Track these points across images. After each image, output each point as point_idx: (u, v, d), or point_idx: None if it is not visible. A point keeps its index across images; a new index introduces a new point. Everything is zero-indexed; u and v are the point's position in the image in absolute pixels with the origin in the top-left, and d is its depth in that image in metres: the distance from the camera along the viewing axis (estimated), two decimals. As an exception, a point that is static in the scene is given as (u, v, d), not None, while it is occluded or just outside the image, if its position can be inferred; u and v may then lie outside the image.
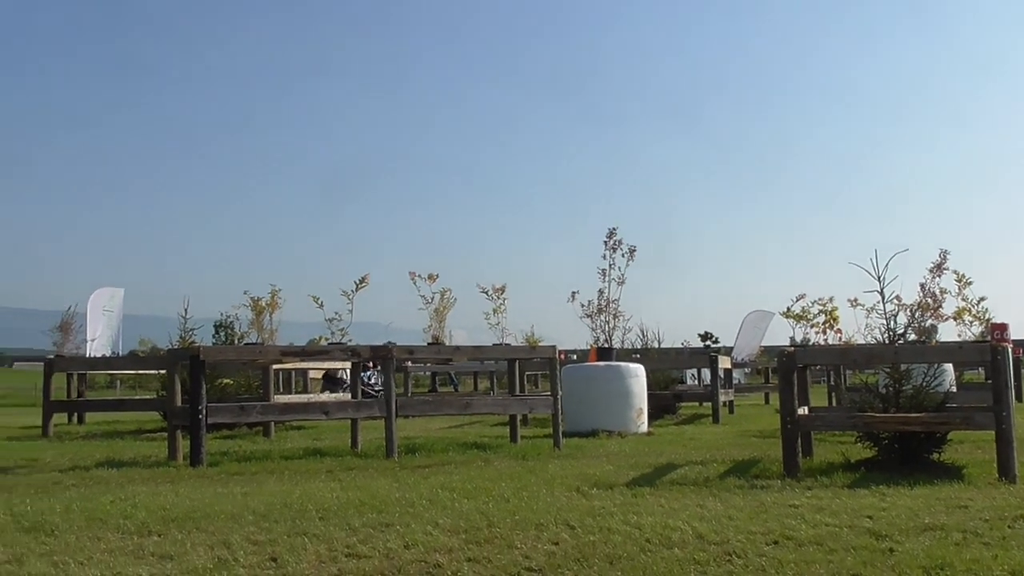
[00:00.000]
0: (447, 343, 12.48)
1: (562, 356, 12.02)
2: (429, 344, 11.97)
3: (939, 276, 7.89)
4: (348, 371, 12.72)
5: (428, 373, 22.13)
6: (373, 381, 13.91)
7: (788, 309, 14.03)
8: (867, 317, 7.76)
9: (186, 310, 12.58)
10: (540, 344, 10.17)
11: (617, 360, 11.52)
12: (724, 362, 15.01)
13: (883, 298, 7.48)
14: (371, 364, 12.83)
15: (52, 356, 13.25)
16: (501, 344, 11.53)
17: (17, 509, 5.16)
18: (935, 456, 6.86)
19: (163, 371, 11.23)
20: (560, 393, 9.38)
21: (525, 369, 14.49)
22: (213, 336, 13.11)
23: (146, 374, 19.73)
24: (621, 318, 12.02)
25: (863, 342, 8.09)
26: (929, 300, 7.85)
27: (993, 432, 6.28)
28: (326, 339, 12.06)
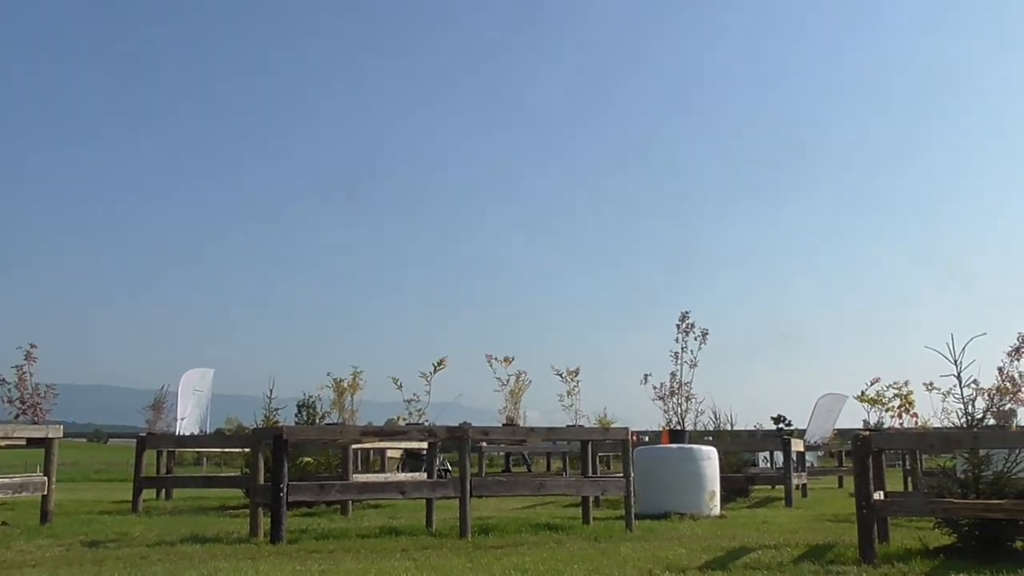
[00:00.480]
0: (521, 424, 12.40)
1: (634, 438, 11.83)
2: (504, 425, 11.90)
3: (1018, 360, 7.64)
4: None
5: (502, 453, 21.98)
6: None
7: (862, 393, 13.67)
8: (943, 401, 7.53)
9: (271, 390, 12.75)
10: (613, 426, 10.06)
11: (689, 442, 11.33)
12: (797, 445, 14.63)
13: (960, 382, 7.25)
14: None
15: (144, 434, 13.47)
16: (574, 426, 11.42)
17: (105, 583, 5.20)
18: (1019, 544, 6.53)
19: (247, 449, 11.34)
20: (632, 475, 9.22)
21: (598, 450, 14.30)
22: (296, 415, 13.24)
23: (231, 452, 19.98)
24: (693, 400, 11.87)
25: (939, 426, 7.83)
26: (1008, 384, 7.59)
27: (1078, 520, 5.98)
28: (404, 419, 12.08)
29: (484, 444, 15.21)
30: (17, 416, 9.92)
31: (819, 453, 21.93)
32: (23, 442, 9.57)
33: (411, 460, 13.64)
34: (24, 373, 10.07)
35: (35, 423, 9.68)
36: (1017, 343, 7.64)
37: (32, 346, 10.18)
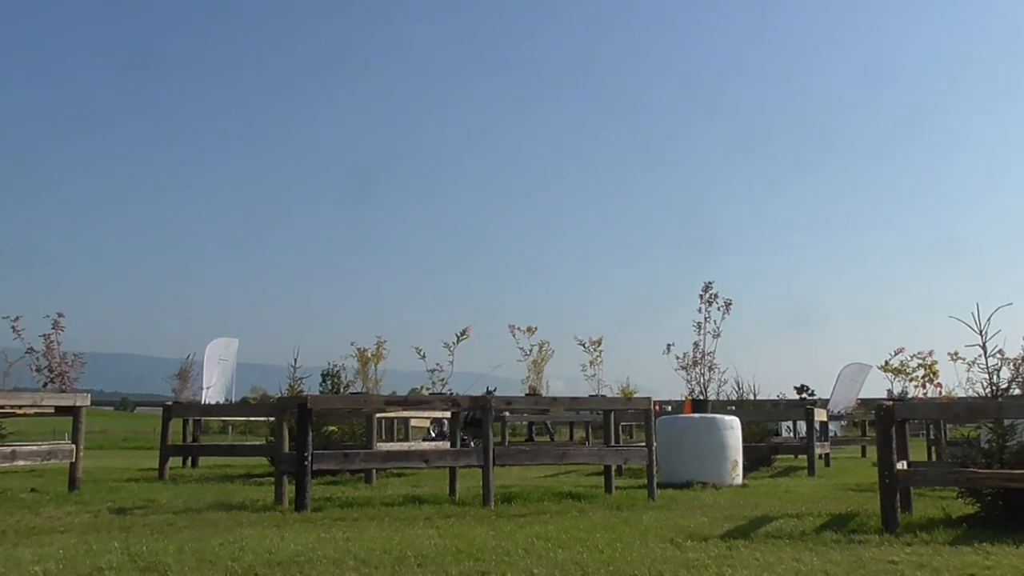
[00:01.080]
0: (544, 394, 12.44)
1: (657, 407, 11.85)
2: (527, 395, 11.93)
3: (1044, 330, 7.58)
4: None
5: (525, 423, 22.05)
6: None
7: (886, 363, 13.60)
8: (968, 371, 7.48)
9: (296, 359, 12.82)
10: (635, 395, 10.03)
11: (712, 412, 11.34)
12: (820, 414, 14.61)
13: (985, 352, 7.20)
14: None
15: (170, 402, 13.62)
16: (597, 395, 11.42)
17: (134, 549, 5.28)
18: (1042, 514, 6.51)
19: (272, 418, 11.45)
20: (655, 444, 9.24)
21: (620, 420, 14.32)
22: (320, 385, 13.32)
23: (256, 421, 20.17)
24: (716, 370, 11.86)
25: (963, 396, 7.79)
26: (1034, 355, 7.54)
27: (1103, 490, 5.95)
28: (427, 389, 12.13)
29: (507, 414, 15.26)
30: (45, 384, 10.05)
31: (842, 423, 21.89)
32: (51, 410, 9.71)
33: (438, 427, 13.54)
34: (52, 342, 10.18)
35: (63, 391, 9.80)
36: (1044, 312, 7.57)
37: (60, 315, 10.29)
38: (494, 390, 11.92)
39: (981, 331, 7.13)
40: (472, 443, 12.14)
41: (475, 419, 12.90)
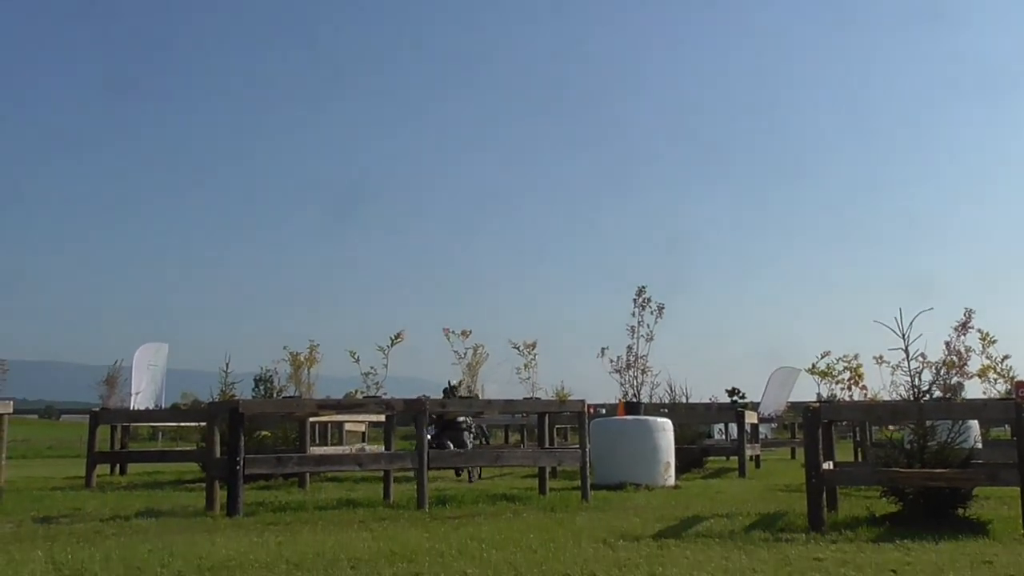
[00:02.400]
0: (479, 397, 12.46)
1: (591, 410, 11.95)
2: (461, 398, 11.94)
3: (964, 335, 7.80)
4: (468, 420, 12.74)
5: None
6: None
7: (813, 366, 13.87)
8: (892, 374, 7.68)
9: (227, 364, 12.67)
10: (569, 398, 10.12)
11: (645, 414, 11.46)
12: (751, 417, 14.86)
13: (908, 356, 7.41)
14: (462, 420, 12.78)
15: (98, 409, 13.33)
16: (532, 398, 11.48)
17: (58, 558, 5.18)
18: (960, 512, 6.72)
19: (203, 424, 11.28)
20: (588, 446, 9.33)
21: (555, 423, 14.40)
22: (253, 390, 13.19)
23: (187, 427, 19.83)
24: (649, 373, 11.99)
25: (888, 399, 7.99)
26: (954, 358, 7.76)
27: (1018, 488, 6.17)
28: (362, 392, 12.07)
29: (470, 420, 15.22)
30: (-36, 392, 9.77)
31: (773, 425, 22.29)
32: (-29, 418, 9.43)
33: (449, 432, 13.13)
34: (-28, 348, 9.92)
35: (-17, 399, 9.54)
36: (964, 318, 7.80)
37: (-20, 320, 10.03)
38: (458, 384, 11.82)
39: (903, 335, 7.34)
40: (450, 445, 12.26)
41: (450, 423, 12.81)
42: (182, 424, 19.41)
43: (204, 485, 8.55)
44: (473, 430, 12.85)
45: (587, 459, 9.05)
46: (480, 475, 12.53)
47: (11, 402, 9.45)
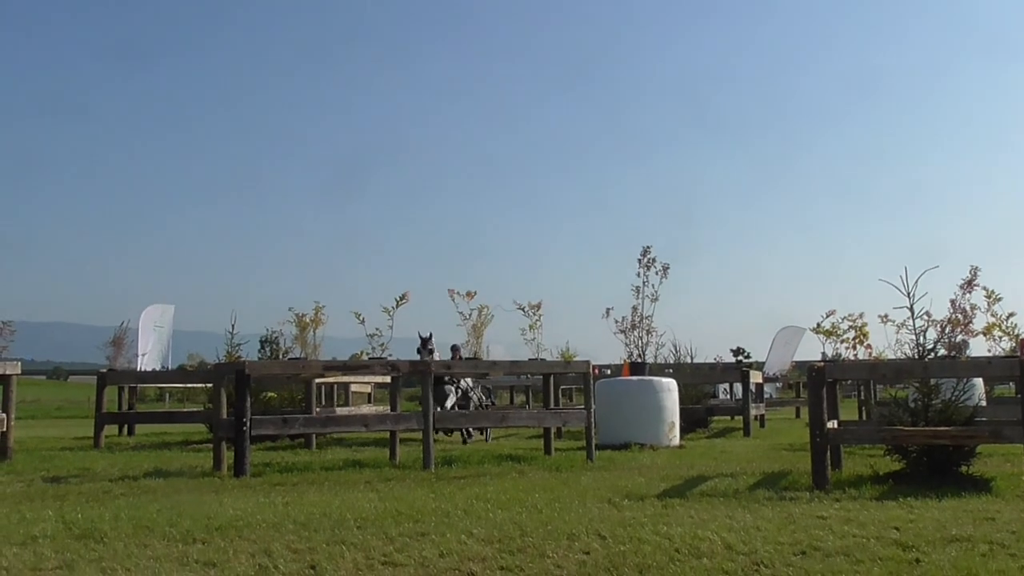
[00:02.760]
0: (485, 358, 12.50)
1: (596, 371, 12.00)
2: (466, 359, 11.99)
3: (969, 292, 7.81)
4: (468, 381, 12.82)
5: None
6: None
7: (818, 325, 13.88)
8: (897, 333, 7.69)
9: (233, 326, 12.72)
10: (575, 359, 10.15)
11: (650, 375, 11.50)
12: (756, 377, 14.90)
13: (913, 314, 7.40)
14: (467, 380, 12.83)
15: (105, 370, 13.40)
16: (537, 359, 11.52)
17: (69, 517, 5.24)
18: (963, 469, 6.76)
19: (210, 385, 11.33)
20: (593, 407, 9.37)
21: (560, 383, 14.47)
22: (259, 351, 13.22)
23: (194, 388, 19.94)
24: (654, 334, 12.03)
25: (893, 357, 8.00)
26: (959, 316, 7.76)
27: (1022, 446, 6.19)
28: (367, 354, 12.12)
29: (446, 378, 15.28)
30: (-27, 353, 9.81)
31: (777, 385, 22.31)
32: (-19, 379, 9.50)
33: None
34: (-21, 310, 9.95)
35: (-8, 360, 9.59)
36: (969, 276, 7.79)
37: (-13, 282, 10.04)
38: (429, 337, 11.96)
39: (909, 293, 7.33)
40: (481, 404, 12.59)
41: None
42: (189, 385, 19.53)
43: (211, 446, 8.62)
44: (461, 390, 12.84)
45: (592, 419, 9.09)
46: (488, 437, 12.59)
47: (19, 363, 9.50)
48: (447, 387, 12.39)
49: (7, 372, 9.28)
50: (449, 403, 12.30)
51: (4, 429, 9.14)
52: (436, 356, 11.81)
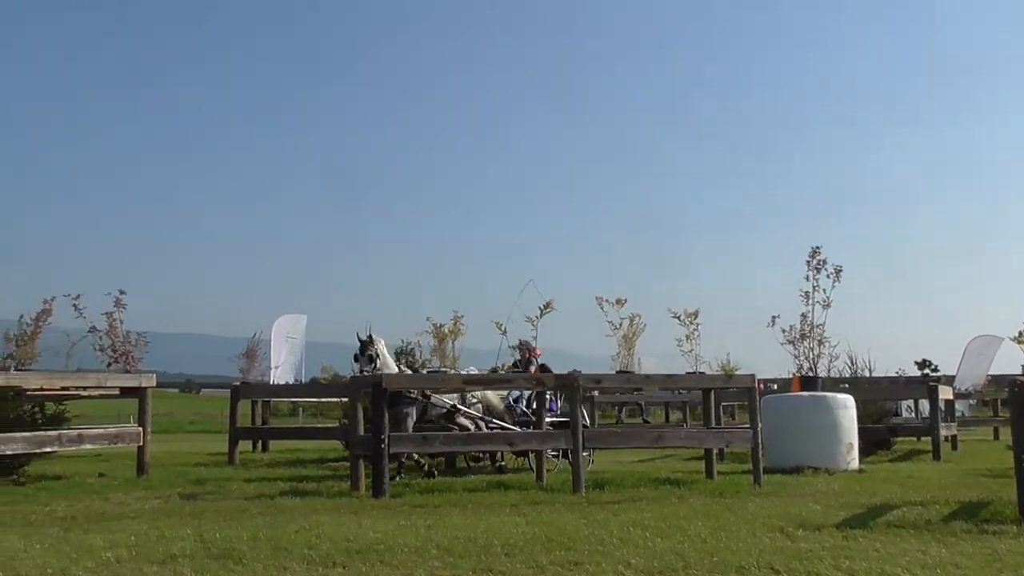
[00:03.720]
0: (636, 371, 12.43)
1: (761, 386, 11.76)
2: (618, 372, 11.95)
3: None
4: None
5: (615, 404, 22.04)
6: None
7: (1020, 333, 13.26)
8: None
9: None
10: (737, 372, 9.96)
11: (823, 390, 11.20)
12: (945, 392, 14.31)
13: None
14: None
15: (238, 383, 13.95)
16: (694, 373, 11.39)
17: (207, 536, 5.46)
18: None
19: (345, 399, 11.60)
20: (760, 426, 9.18)
21: (721, 399, 14.23)
22: (395, 362, 13.50)
23: (328, 402, 20.56)
24: (827, 344, 11.70)
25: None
26: None
27: None
28: (505, 367, 12.24)
29: (596, 393, 15.28)
30: (109, 365, 10.38)
31: (971, 401, 21.39)
32: (116, 391, 10.03)
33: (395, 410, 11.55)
34: (115, 320, 10.50)
35: (127, 372, 10.11)
36: None
37: (121, 292, 10.61)
38: (369, 339, 9.88)
39: None
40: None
41: (396, 398, 9.46)
42: (322, 400, 20.14)
43: (347, 463, 8.84)
44: (431, 407, 10.23)
45: (759, 440, 8.91)
46: (589, 459, 10.80)
47: (154, 375, 10.00)
48: (404, 407, 9.71)
49: (142, 384, 9.78)
50: (408, 425, 9.80)
51: (141, 443, 9.63)
52: (379, 365, 9.72)
